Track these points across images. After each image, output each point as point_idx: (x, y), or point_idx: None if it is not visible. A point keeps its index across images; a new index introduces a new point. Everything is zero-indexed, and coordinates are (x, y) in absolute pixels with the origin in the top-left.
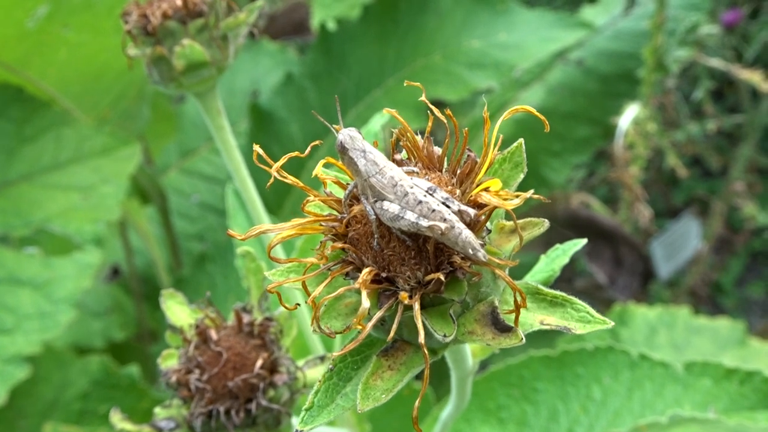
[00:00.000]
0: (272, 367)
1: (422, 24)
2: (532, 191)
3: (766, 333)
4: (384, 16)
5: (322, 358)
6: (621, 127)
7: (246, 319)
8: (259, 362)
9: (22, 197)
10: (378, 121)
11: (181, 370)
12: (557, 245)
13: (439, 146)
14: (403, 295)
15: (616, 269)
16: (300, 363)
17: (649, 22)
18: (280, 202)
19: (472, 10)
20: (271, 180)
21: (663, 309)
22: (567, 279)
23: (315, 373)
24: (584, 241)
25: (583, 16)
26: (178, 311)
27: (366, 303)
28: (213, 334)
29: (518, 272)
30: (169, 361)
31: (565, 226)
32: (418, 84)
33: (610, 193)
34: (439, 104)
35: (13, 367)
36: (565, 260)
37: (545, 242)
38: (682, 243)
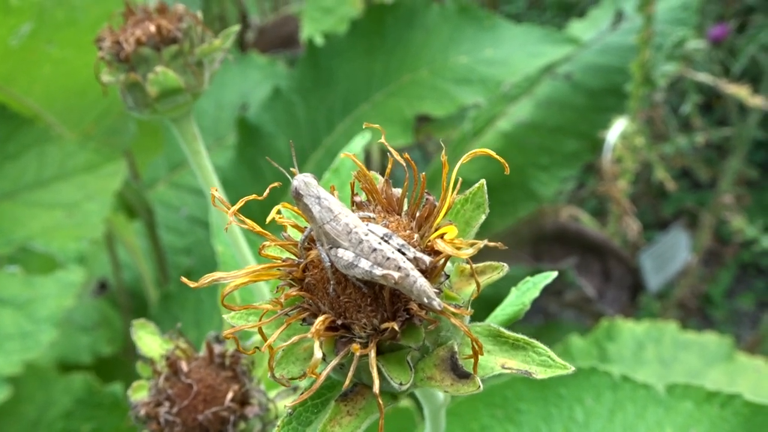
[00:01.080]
0: (243, 399)
1: (409, 39)
2: (485, 241)
3: (756, 345)
4: (371, 32)
5: (295, 389)
6: (609, 141)
7: (217, 349)
8: (230, 394)
9: (4, 215)
10: (359, 143)
11: (151, 402)
12: (528, 278)
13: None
14: (355, 347)
15: (605, 282)
16: (272, 394)
17: (637, 36)
18: (267, 212)
19: (458, 25)
20: (228, 223)
21: (650, 324)
22: (557, 291)
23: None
24: (554, 274)
25: (570, 32)
26: (149, 341)
27: (318, 353)
28: (184, 365)
29: (504, 284)
30: (139, 393)
31: (554, 240)
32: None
33: (599, 206)
34: (426, 119)
35: None
36: (536, 293)
37: (533, 254)
38: (672, 255)
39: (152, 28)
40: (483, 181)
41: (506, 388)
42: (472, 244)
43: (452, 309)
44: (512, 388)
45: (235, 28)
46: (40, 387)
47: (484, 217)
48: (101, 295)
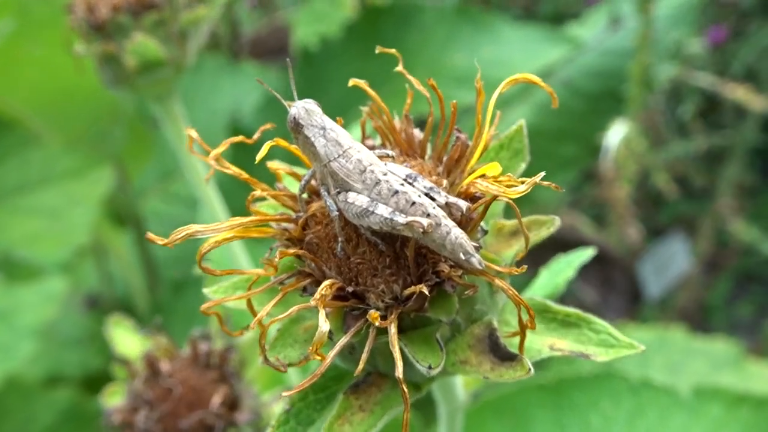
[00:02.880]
0: (232, 403)
1: (405, 41)
2: (542, 173)
3: (757, 352)
4: (366, 34)
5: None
6: (607, 145)
7: (203, 348)
8: (217, 398)
9: None
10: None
11: (127, 408)
12: (559, 256)
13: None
14: (374, 315)
15: (606, 289)
16: (266, 397)
17: (635, 39)
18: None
19: (456, 26)
20: (211, 172)
21: (659, 330)
22: (558, 298)
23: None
24: (590, 251)
25: (567, 33)
26: (125, 339)
27: (324, 326)
28: (164, 365)
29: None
30: (114, 398)
31: (552, 246)
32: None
33: (598, 211)
34: (424, 123)
35: None
36: (570, 273)
37: (531, 259)
38: (670, 262)
39: None
40: (522, 122)
41: (516, 396)
42: (522, 181)
43: (496, 268)
44: (522, 396)
45: None
46: (23, 402)
47: (524, 166)
48: (91, 308)
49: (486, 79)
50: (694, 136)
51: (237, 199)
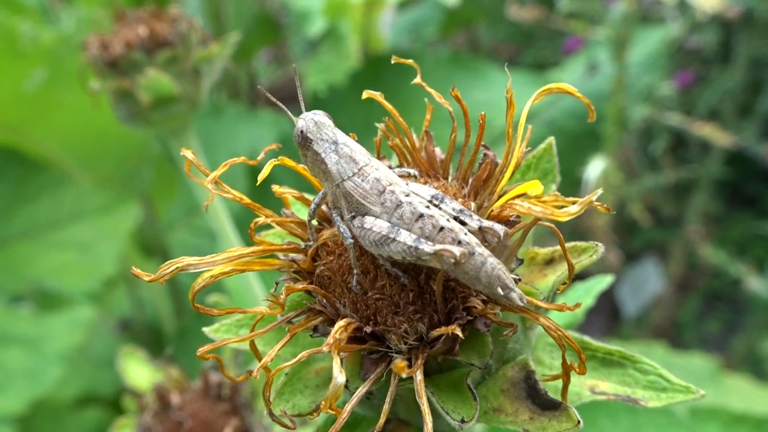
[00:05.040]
0: None
1: (405, 86)
2: (599, 191)
3: (725, 367)
4: (369, 81)
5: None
6: (587, 179)
7: (214, 379)
8: (228, 430)
9: (18, 255)
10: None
11: None
12: (577, 283)
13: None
14: (399, 365)
15: (587, 310)
16: (278, 429)
17: (611, 84)
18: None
19: (450, 71)
20: (211, 198)
21: (641, 347)
22: None
23: None
24: (609, 278)
25: (551, 77)
26: (137, 371)
27: (340, 378)
28: (174, 398)
29: None
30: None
31: None
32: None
33: (579, 237)
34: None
35: (2, 425)
36: (590, 302)
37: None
38: (645, 283)
39: (143, 31)
40: (551, 139)
41: None
42: (573, 201)
43: (540, 304)
44: None
45: (235, 36)
46: (53, 423)
47: (554, 187)
48: (124, 333)
49: (477, 120)
50: (665, 170)
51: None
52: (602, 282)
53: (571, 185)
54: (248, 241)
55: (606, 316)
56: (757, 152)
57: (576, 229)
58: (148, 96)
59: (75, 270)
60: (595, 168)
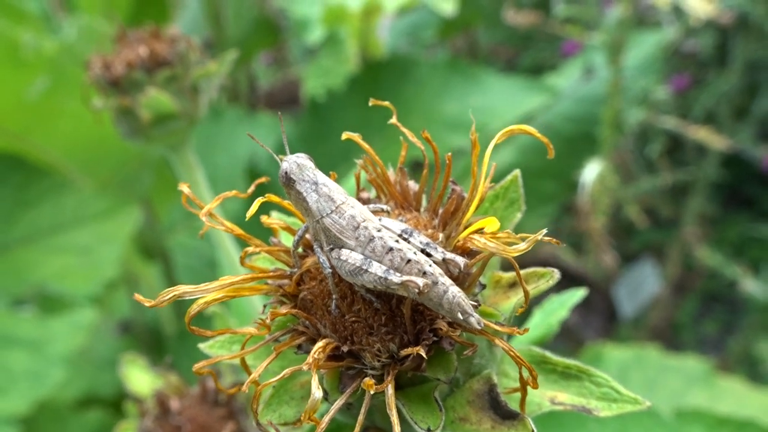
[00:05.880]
0: None
1: (403, 91)
2: (544, 230)
3: (721, 368)
4: (368, 86)
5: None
6: (584, 182)
7: (212, 385)
8: None
9: (20, 259)
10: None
11: None
12: (552, 296)
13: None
14: (368, 382)
15: (585, 310)
16: None
17: (607, 87)
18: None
19: (447, 77)
20: (205, 228)
21: (636, 349)
22: None
23: None
24: (581, 292)
25: (547, 82)
26: (138, 377)
27: (317, 393)
28: (174, 403)
29: None
30: None
31: None
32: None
33: (577, 240)
34: (419, 165)
35: (5, 426)
36: (564, 313)
37: None
38: (642, 285)
39: (143, 52)
40: (517, 171)
41: None
42: (523, 238)
43: (495, 327)
44: None
45: (232, 54)
46: (55, 424)
47: (519, 216)
48: (124, 334)
49: (475, 125)
50: (661, 173)
51: (252, 233)
52: (576, 295)
53: (568, 188)
54: (243, 243)
55: (603, 317)
56: (753, 155)
57: (573, 232)
58: (149, 113)
59: (77, 273)
60: (592, 171)
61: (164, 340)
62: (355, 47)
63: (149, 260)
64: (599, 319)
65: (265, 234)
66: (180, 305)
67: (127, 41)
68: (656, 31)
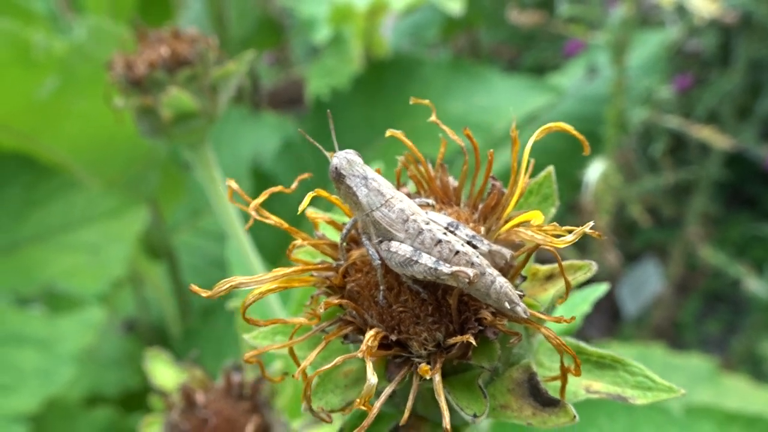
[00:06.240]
0: None
1: (407, 90)
2: (590, 223)
3: (724, 367)
4: (372, 86)
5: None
6: (587, 181)
7: (236, 379)
8: (250, 427)
9: (29, 258)
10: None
11: None
12: (575, 291)
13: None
14: (424, 368)
15: (589, 309)
16: (296, 425)
17: (611, 86)
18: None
19: (451, 77)
20: (250, 222)
21: (640, 348)
22: None
23: None
24: (605, 286)
25: (551, 82)
26: (163, 372)
27: (373, 379)
28: (199, 397)
29: None
30: (152, 429)
31: None
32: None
33: (580, 239)
34: (433, 162)
35: (15, 424)
36: (586, 308)
37: None
38: (645, 284)
39: (165, 52)
40: (551, 168)
41: None
42: (569, 230)
43: (541, 316)
44: None
45: (250, 55)
46: (64, 422)
47: (554, 210)
48: (130, 332)
49: (479, 124)
50: (664, 172)
51: (262, 232)
52: (598, 290)
53: (572, 187)
54: (257, 232)
55: (606, 316)
56: (756, 154)
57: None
58: (170, 112)
59: (85, 272)
60: (595, 170)
61: (169, 339)
62: (360, 47)
63: (155, 259)
64: (602, 318)
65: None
66: (186, 305)
67: (149, 41)
68: (660, 31)
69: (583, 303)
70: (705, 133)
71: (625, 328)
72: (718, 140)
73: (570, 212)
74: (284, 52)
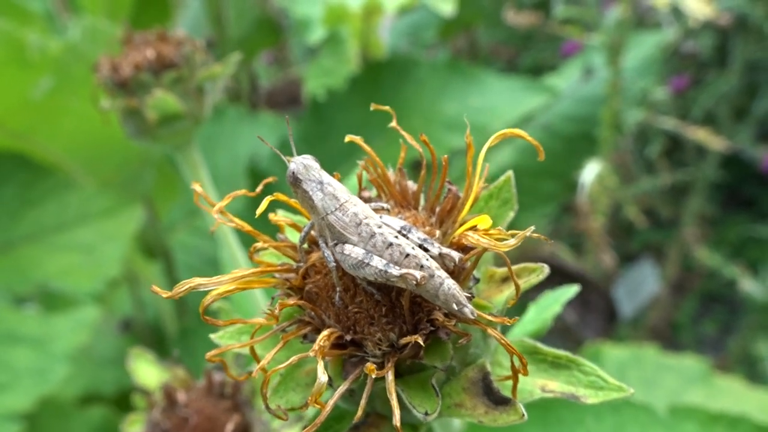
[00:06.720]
0: (244, 431)
1: (403, 92)
2: (532, 228)
3: (719, 368)
4: (368, 86)
5: (300, 418)
6: (583, 182)
7: (217, 378)
8: (230, 426)
9: (24, 257)
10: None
11: None
12: (546, 292)
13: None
14: (370, 367)
15: (585, 310)
16: (276, 425)
17: (606, 88)
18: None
19: (447, 78)
20: (216, 224)
21: (634, 348)
22: None
23: None
24: (575, 288)
25: (547, 83)
26: (146, 371)
27: (323, 377)
28: (181, 396)
29: None
30: (134, 427)
31: None
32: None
33: (576, 240)
34: (418, 165)
35: (9, 423)
36: (558, 309)
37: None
38: (641, 285)
39: (150, 54)
40: (510, 172)
41: None
42: (512, 234)
43: (488, 317)
44: None
45: (236, 57)
46: (58, 420)
47: (512, 214)
48: (126, 332)
49: (474, 125)
50: (660, 173)
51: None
52: (569, 292)
53: (568, 188)
54: (244, 238)
55: (602, 317)
56: (753, 155)
57: (573, 232)
58: (155, 114)
59: (80, 271)
60: (591, 171)
61: (165, 338)
62: (356, 47)
63: (150, 259)
64: (598, 319)
65: (269, 232)
66: (182, 304)
67: (135, 44)
68: (656, 32)
69: (554, 304)
70: (701, 135)
71: (620, 329)
72: (715, 141)
73: (566, 213)
74: (283, 51)
